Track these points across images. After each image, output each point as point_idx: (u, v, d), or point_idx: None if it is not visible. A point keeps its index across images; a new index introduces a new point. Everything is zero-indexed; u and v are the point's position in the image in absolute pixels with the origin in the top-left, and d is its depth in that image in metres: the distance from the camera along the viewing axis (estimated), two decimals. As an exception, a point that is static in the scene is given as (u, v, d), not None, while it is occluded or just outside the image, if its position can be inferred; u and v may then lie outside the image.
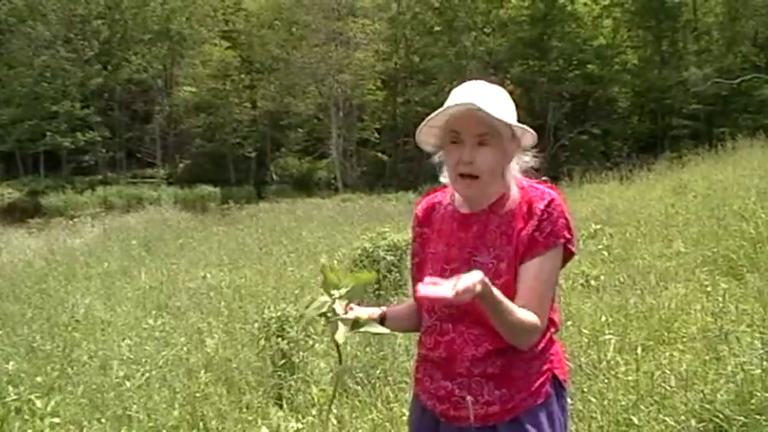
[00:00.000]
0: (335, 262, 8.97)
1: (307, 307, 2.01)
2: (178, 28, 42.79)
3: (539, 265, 1.97)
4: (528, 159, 2.08)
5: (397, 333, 5.14)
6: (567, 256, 2.04)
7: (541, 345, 2.05)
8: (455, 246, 2.07)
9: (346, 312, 1.97)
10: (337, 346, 2.04)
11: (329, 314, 1.95)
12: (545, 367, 2.06)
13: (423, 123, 2.02)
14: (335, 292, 1.95)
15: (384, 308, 2.19)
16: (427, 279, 1.83)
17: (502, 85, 2.11)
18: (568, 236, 2.01)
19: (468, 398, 2.00)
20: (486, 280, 1.81)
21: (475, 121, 1.95)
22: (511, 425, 2.00)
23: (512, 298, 1.94)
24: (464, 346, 2.02)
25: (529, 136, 2.04)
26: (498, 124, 1.96)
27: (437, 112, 1.99)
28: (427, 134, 2.06)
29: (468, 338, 2.01)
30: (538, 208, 2.00)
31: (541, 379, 2.04)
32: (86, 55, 39.66)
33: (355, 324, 2.00)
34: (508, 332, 1.95)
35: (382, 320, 2.15)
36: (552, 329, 2.09)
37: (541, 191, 2.04)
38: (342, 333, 1.95)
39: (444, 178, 2.10)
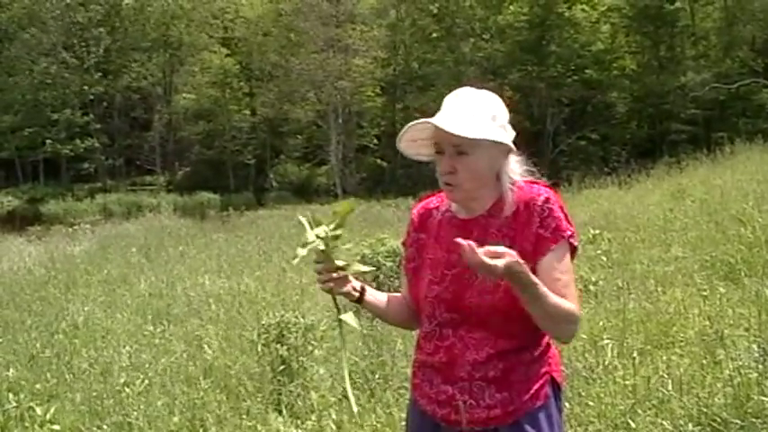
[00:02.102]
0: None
1: (304, 245, 2.07)
2: (177, 35, 42.87)
3: (552, 258, 1.99)
4: (515, 166, 2.09)
5: (396, 338, 5.18)
6: (572, 250, 2.06)
7: (540, 348, 2.07)
8: (455, 252, 2.07)
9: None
10: (333, 296, 2.13)
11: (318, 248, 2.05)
12: (543, 370, 2.08)
13: (397, 139, 2.08)
14: (320, 230, 2.05)
15: (367, 287, 2.24)
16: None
17: (500, 90, 2.14)
18: (570, 230, 2.03)
19: (461, 402, 2.02)
20: (522, 261, 1.82)
21: (446, 133, 1.99)
22: (512, 427, 2.02)
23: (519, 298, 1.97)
24: (465, 351, 2.03)
25: (509, 143, 2.06)
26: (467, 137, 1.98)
27: (404, 129, 2.06)
28: (420, 146, 2.11)
29: (469, 342, 2.03)
30: (536, 206, 2.02)
31: (541, 381, 2.06)
32: (86, 62, 39.70)
33: (341, 269, 2.10)
34: (548, 319, 1.94)
35: (361, 295, 2.19)
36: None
37: (536, 189, 2.06)
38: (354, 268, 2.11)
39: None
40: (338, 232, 2.06)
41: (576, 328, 2.02)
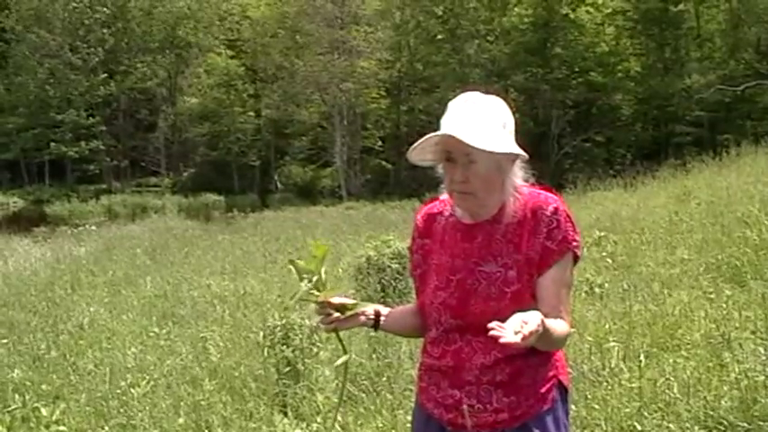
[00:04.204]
0: (340, 270, 8.99)
1: (291, 298, 2.14)
2: (183, 36, 42.94)
3: (557, 271, 2.01)
4: (518, 171, 2.08)
5: (401, 340, 5.17)
6: (574, 259, 2.07)
7: (547, 351, 2.07)
8: (459, 256, 2.08)
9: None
10: (337, 333, 2.14)
11: (312, 298, 2.07)
12: (551, 373, 2.08)
13: (411, 149, 2.05)
14: (306, 277, 2.07)
15: (380, 307, 2.21)
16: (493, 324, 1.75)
17: (505, 92, 2.12)
18: (575, 242, 2.04)
19: (464, 406, 2.02)
20: (542, 317, 1.80)
21: (462, 143, 1.96)
22: (519, 431, 2.03)
23: (525, 306, 1.96)
24: (472, 355, 2.03)
25: (521, 153, 2.05)
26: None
27: (420, 141, 2.02)
28: (424, 150, 2.07)
29: (477, 347, 2.03)
30: (544, 215, 2.02)
31: (548, 385, 2.07)
32: (92, 63, 39.81)
33: (344, 309, 2.10)
34: (549, 347, 2.01)
35: (377, 320, 2.17)
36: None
37: (544, 197, 2.06)
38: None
39: (445, 193, 2.14)
40: (323, 275, 2.07)
41: (567, 341, 2.12)
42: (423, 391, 2.18)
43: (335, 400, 4.62)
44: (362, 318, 2.14)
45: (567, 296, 2.06)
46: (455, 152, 2.00)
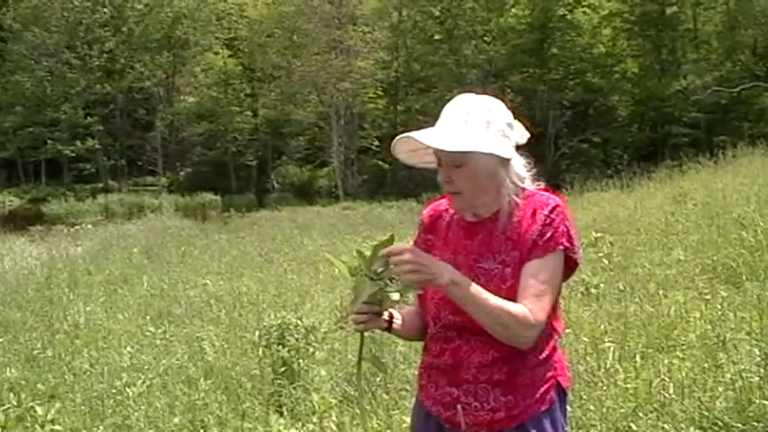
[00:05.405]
0: (336, 270, 8.98)
1: (353, 301, 2.03)
2: (181, 35, 42.91)
3: (535, 266, 1.99)
4: (522, 171, 2.08)
5: (397, 340, 5.18)
6: (572, 265, 2.06)
7: (546, 352, 2.07)
8: (461, 253, 2.09)
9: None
10: (362, 336, 2.12)
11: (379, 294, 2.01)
12: (549, 374, 2.08)
13: (392, 151, 2.11)
14: (360, 271, 2.03)
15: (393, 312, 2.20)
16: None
17: (502, 93, 2.13)
18: (567, 244, 2.02)
19: (459, 405, 2.02)
20: (456, 276, 1.90)
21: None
22: (516, 431, 2.03)
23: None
24: (470, 353, 2.04)
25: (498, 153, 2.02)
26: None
27: (392, 144, 2.08)
28: (423, 154, 2.12)
29: (475, 345, 2.03)
30: (542, 213, 2.02)
31: (546, 386, 2.06)
32: (90, 63, 39.75)
33: (382, 302, 2.06)
34: (493, 323, 1.92)
35: (390, 324, 2.16)
36: (555, 337, 2.12)
37: (546, 197, 2.06)
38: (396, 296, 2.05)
39: None
40: (383, 269, 2.00)
41: (531, 334, 1.97)
42: (422, 388, 2.19)
43: (332, 401, 4.62)
44: (381, 320, 2.12)
45: (543, 293, 1.98)
46: (438, 154, 2.04)
